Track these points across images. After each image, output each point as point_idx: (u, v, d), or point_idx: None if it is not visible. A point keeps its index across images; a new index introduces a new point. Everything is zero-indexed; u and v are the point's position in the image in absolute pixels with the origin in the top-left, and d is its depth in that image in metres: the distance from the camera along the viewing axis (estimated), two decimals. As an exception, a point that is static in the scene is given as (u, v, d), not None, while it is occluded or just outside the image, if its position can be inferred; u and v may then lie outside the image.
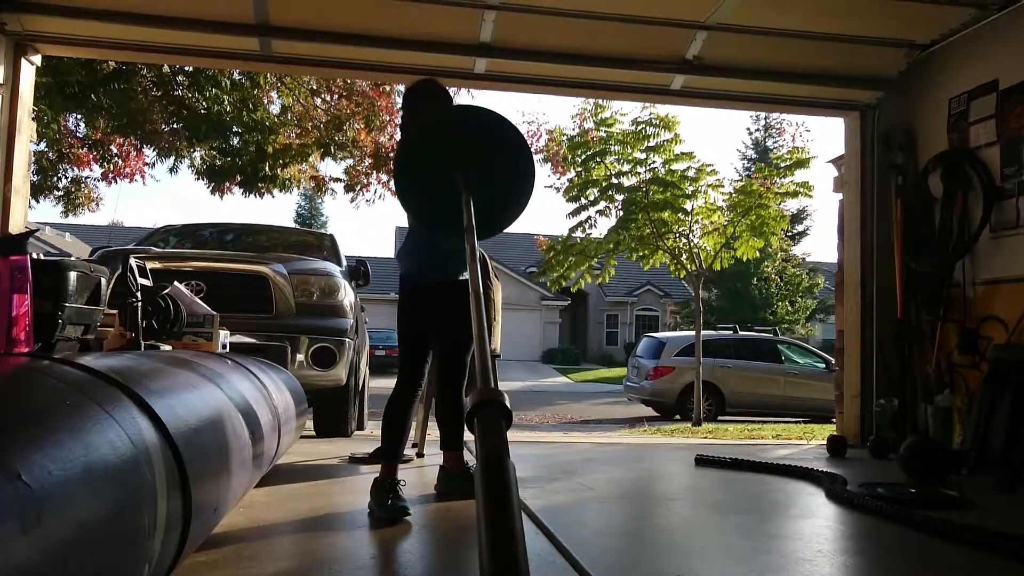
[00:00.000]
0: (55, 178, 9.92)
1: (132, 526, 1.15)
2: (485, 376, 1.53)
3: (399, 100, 9.92)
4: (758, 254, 12.09)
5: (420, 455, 4.39)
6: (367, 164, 10.32)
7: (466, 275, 3.14)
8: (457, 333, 3.18)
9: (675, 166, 10.97)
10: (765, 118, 32.83)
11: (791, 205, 17.45)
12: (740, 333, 14.72)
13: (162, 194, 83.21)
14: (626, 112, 10.90)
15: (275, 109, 9.61)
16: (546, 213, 68.69)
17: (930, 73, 5.16)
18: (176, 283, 3.38)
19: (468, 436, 3.50)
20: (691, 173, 10.98)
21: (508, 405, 1.36)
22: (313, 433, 5.49)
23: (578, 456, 4.95)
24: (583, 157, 11.31)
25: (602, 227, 11.80)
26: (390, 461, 2.97)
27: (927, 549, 2.58)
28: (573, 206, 11.72)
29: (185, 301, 3.25)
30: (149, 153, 9.65)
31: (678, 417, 12.63)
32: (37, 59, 5.07)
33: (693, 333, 12.00)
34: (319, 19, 4.91)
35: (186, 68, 8.28)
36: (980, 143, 4.69)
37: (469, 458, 3.50)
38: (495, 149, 2.34)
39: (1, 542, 0.77)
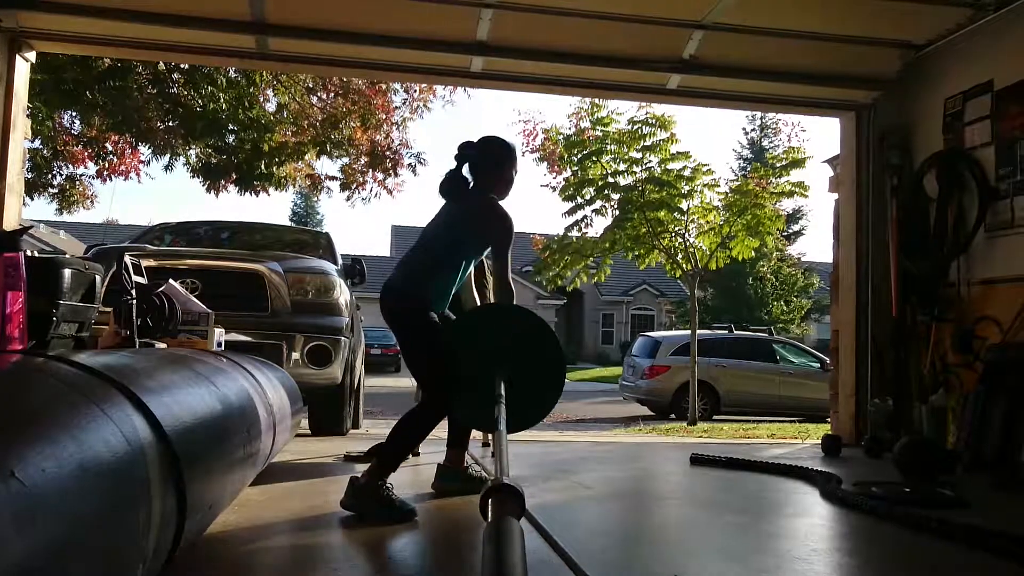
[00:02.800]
0: (50, 175, 9.87)
1: (127, 524, 1.15)
2: (501, 470, 1.75)
3: (395, 99, 9.92)
4: (754, 254, 12.09)
5: (416, 454, 4.39)
6: (363, 163, 10.30)
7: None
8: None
9: (671, 165, 10.97)
10: (761, 118, 32.82)
11: (787, 205, 17.44)
12: (735, 332, 14.72)
13: (157, 192, 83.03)
14: (622, 111, 10.91)
15: (271, 107, 9.59)
16: (542, 212, 68.72)
17: (926, 73, 5.18)
18: (171, 281, 3.36)
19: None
20: (687, 172, 10.98)
21: (522, 493, 1.53)
22: (308, 431, 5.48)
23: (574, 455, 4.96)
24: (579, 156, 11.30)
25: (598, 226, 11.80)
26: (393, 470, 2.90)
27: (921, 548, 2.59)
28: (569, 205, 11.71)
29: (180, 299, 3.23)
30: (144, 151, 9.61)
31: (673, 416, 12.63)
32: (32, 56, 5.05)
33: (688, 332, 12.00)
34: (315, 17, 4.90)
35: (182, 66, 8.24)
36: (975, 144, 4.71)
37: (468, 459, 3.50)
38: (532, 357, 2.75)
39: (-5, 540, 0.77)
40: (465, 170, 3.13)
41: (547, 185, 12.54)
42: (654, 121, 10.66)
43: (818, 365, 13.42)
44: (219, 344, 3.44)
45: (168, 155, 9.41)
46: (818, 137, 52.85)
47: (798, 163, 11.24)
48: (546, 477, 3.82)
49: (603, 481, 3.91)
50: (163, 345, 2.96)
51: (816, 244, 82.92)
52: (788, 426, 9.97)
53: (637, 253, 11.54)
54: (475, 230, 3.04)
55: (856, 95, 5.59)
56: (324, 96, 9.78)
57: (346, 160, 10.34)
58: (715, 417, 12.50)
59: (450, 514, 3.02)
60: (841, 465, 4.43)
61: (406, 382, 17.09)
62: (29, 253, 2.29)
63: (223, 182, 9.77)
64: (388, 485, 2.83)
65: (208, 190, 9.88)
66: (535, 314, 3.06)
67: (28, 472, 0.88)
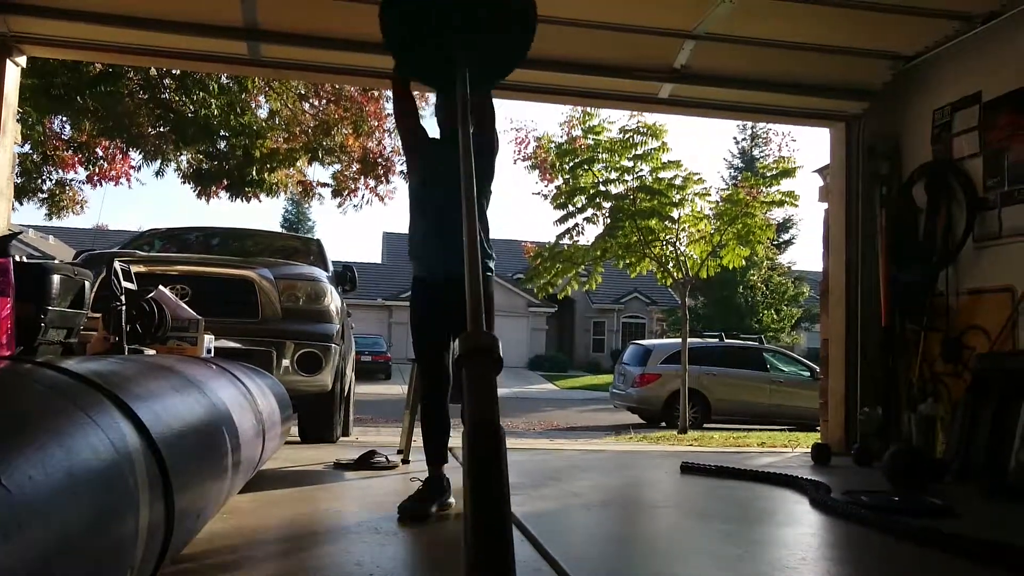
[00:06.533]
0: (39, 180, 9.80)
1: (114, 533, 1.14)
2: (476, 319, 1.30)
3: (387, 106, 9.91)
4: (744, 262, 12.14)
5: (406, 461, 4.38)
6: (355, 169, 10.29)
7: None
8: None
9: (662, 174, 11.02)
10: (752, 127, 32.98)
11: (777, 214, 17.56)
12: (726, 341, 14.77)
13: (148, 198, 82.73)
14: (614, 120, 10.95)
15: (263, 113, 9.56)
16: (533, 220, 68.89)
17: (915, 85, 5.22)
18: (161, 287, 3.35)
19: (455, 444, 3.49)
20: (678, 181, 11.03)
21: (500, 353, 1.20)
22: (298, 439, 5.46)
23: (564, 463, 4.95)
24: (571, 164, 11.33)
25: (589, 234, 11.84)
26: (438, 462, 3.12)
27: (910, 557, 2.60)
28: (560, 213, 11.74)
29: (170, 305, 3.22)
30: (135, 156, 9.57)
31: (664, 424, 12.65)
32: (22, 60, 5.03)
33: (679, 340, 12.02)
34: (308, 23, 4.90)
35: (173, 71, 8.23)
36: (963, 154, 4.74)
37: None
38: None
39: (-20, 548, 0.76)
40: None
41: (539, 193, 12.57)
42: (645, 130, 10.70)
43: (808, 373, 13.47)
44: (209, 351, 3.43)
45: (159, 160, 9.37)
46: (808, 147, 53.22)
47: (788, 172, 11.31)
48: (536, 485, 3.81)
49: (593, 489, 3.91)
50: (152, 352, 2.94)
51: (806, 253, 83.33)
52: (778, 434, 10.00)
53: (628, 261, 11.56)
54: None
55: (846, 105, 5.63)
56: (316, 103, 9.76)
57: (338, 167, 10.33)
58: (705, 425, 12.51)
59: (439, 522, 3.01)
60: (830, 474, 4.44)
61: (396, 389, 17.08)
62: (18, 258, 2.28)
63: (214, 188, 9.74)
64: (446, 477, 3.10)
65: (199, 196, 9.85)
66: None
67: (15, 479, 0.87)
